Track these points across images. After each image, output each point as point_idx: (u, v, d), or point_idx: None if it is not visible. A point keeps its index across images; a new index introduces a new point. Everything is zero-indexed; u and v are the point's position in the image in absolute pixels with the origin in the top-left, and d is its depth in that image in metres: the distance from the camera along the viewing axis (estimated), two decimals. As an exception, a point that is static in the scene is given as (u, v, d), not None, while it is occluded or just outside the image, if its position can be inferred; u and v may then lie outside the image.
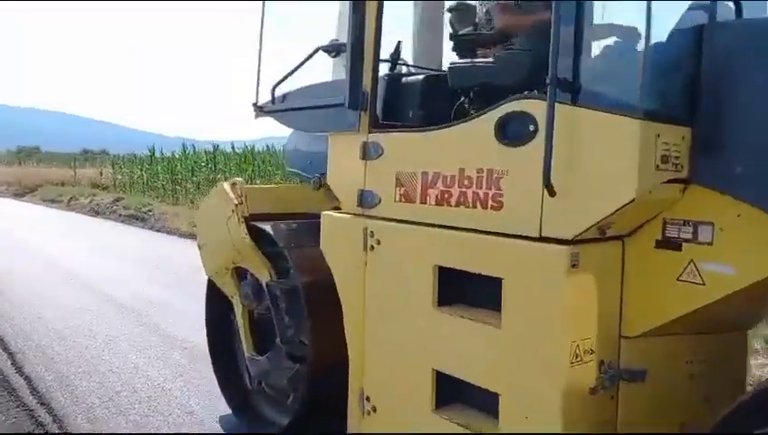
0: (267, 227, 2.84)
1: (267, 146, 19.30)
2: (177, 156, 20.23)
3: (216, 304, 3.42)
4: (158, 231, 12.88)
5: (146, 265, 8.32)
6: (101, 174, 24.26)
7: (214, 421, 3.47)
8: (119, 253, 9.38)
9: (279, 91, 2.97)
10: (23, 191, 23.69)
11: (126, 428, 3.36)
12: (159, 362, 4.41)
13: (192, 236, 11.74)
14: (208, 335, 3.56)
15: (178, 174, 18.90)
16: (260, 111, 3.07)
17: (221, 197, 2.98)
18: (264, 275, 2.90)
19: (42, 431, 3.30)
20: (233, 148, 19.40)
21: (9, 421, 3.40)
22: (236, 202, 2.87)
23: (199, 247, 3.25)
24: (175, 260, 8.77)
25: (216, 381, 4.03)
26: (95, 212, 16.78)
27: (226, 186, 2.98)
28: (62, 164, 34.40)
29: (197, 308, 5.90)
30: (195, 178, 17.48)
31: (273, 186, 3.73)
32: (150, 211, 15.06)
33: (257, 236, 2.87)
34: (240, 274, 3.12)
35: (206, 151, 19.03)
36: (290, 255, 2.72)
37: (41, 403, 3.65)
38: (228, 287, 3.17)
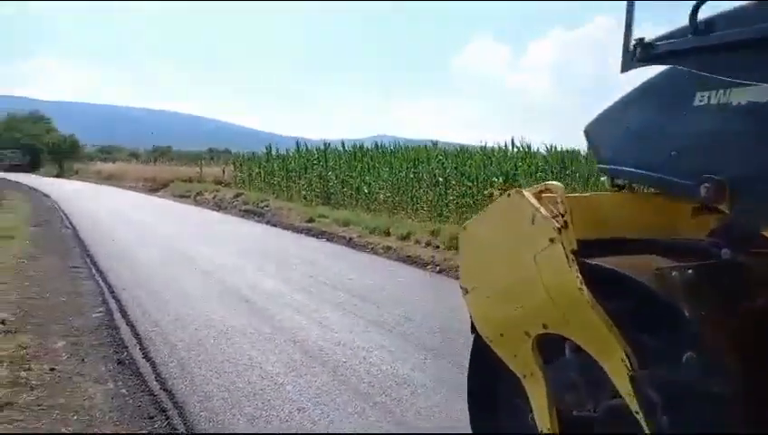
0: (637, 273, 1.60)
1: (376, 143, 19.50)
2: (290, 154, 21.04)
3: (490, 380, 2.13)
4: (273, 225, 13.40)
5: (262, 257, 8.61)
6: (224, 172, 25.89)
7: (324, 420, 3.37)
8: (237, 245, 9.83)
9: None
10: (156, 187, 25.98)
11: (240, 421, 3.35)
12: (272, 354, 4.42)
13: (305, 230, 12.10)
14: (474, 423, 2.23)
15: (292, 171, 19.64)
16: (649, 53, 1.88)
17: (521, 213, 1.75)
18: (613, 356, 1.61)
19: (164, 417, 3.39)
20: (342, 145, 19.81)
21: (136, 404, 3.54)
22: (558, 225, 1.66)
23: (464, 292, 1.97)
24: (288, 253, 9.02)
25: (328, 378, 3.93)
26: (218, 206, 17.91)
27: (529, 196, 1.76)
28: (191, 162, 37.39)
29: (307, 301, 6.03)
30: (307, 175, 18.05)
31: (592, 194, 2.34)
32: (267, 206, 15.79)
33: (597, 284, 1.62)
34: (543, 342, 1.83)
35: (317, 149, 19.57)
36: (706, 329, 1.48)
37: (163, 389, 3.77)
38: (523, 363, 1.87)
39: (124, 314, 5.44)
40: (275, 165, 21.39)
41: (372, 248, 9.70)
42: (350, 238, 10.59)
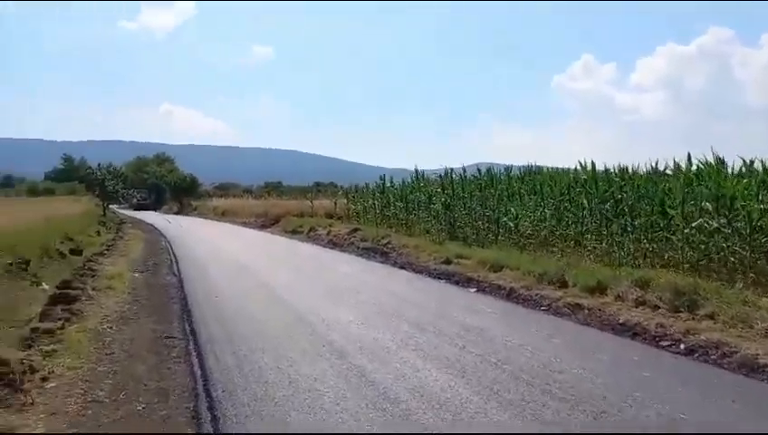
0: None
1: (505, 168, 16.88)
2: (408, 183, 18.95)
3: None
4: (401, 267, 11.16)
5: (406, 321, 6.25)
6: (336, 205, 24.42)
7: None
8: (369, 301, 7.59)
9: None
10: (268, 223, 25.03)
11: None
12: None
13: (443, 275, 9.69)
14: None
15: (411, 202, 17.50)
16: None
17: None
18: None
19: None
20: (463, 171, 17.40)
21: None
22: None
23: None
24: (440, 315, 6.54)
25: None
26: (333, 244, 16.09)
27: None
28: (299, 195, 36.90)
29: (510, 421, 3.54)
30: (433, 206, 15.71)
31: None
32: (389, 243, 13.60)
33: None
34: None
35: (440, 177, 17.24)
36: None
37: None
38: None
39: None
40: (391, 196, 19.45)
41: (551, 306, 7.02)
42: (511, 289, 7.99)
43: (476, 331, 5.81)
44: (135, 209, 45.66)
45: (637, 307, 6.42)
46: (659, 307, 6.30)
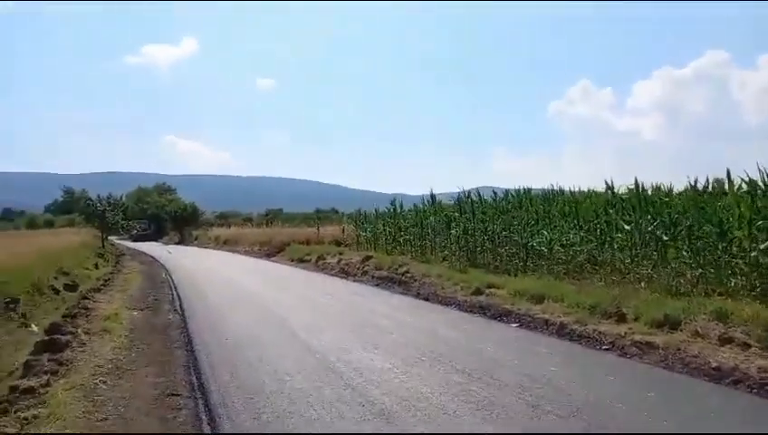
0: None
1: (524, 191, 15.98)
2: (422, 208, 18.04)
3: None
4: (425, 299, 10.18)
5: (454, 369, 5.27)
6: (344, 231, 23.50)
7: None
8: (399, 340, 6.62)
9: None
10: (272, 251, 24.09)
11: None
12: None
13: (477, 308, 8.71)
14: None
15: (426, 228, 16.57)
16: None
17: None
18: None
19: None
20: (478, 194, 16.52)
21: None
22: None
23: None
24: (493, 360, 5.54)
25: None
26: (345, 273, 15.12)
27: None
28: (301, 223, 36.05)
29: None
30: (453, 232, 14.75)
31: None
32: (408, 272, 12.63)
33: None
34: None
35: (457, 200, 16.34)
36: None
37: None
38: None
39: None
40: (403, 221, 18.52)
41: (615, 345, 6.04)
42: (562, 324, 7.02)
43: (543, 380, 4.84)
44: (135, 240, 44.76)
45: (722, 346, 5.46)
46: (750, 345, 5.34)
